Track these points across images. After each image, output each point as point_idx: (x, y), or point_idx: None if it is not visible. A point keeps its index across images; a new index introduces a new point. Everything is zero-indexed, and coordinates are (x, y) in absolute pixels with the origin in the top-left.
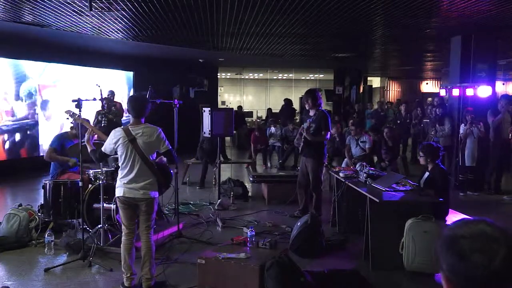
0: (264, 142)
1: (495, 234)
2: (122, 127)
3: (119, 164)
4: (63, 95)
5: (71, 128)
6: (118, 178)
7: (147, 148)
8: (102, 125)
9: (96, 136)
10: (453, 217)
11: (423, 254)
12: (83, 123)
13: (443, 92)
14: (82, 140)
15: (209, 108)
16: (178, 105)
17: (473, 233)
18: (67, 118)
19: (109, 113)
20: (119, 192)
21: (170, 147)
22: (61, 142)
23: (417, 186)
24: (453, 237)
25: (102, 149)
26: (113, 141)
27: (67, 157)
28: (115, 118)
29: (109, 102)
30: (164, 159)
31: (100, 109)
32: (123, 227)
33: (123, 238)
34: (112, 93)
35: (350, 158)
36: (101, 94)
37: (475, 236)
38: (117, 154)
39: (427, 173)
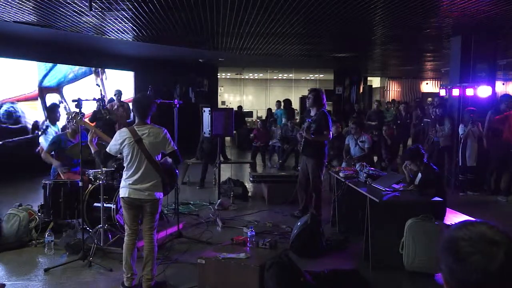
0: (265, 139)
1: (496, 237)
2: (127, 127)
3: (124, 165)
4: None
5: (67, 125)
6: (122, 179)
7: (153, 148)
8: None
9: (98, 137)
10: (453, 217)
11: (423, 254)
12: (86, 124)
13: (443, 92)
14: (84, 140)
15: (209, 108)
16: (178, 105)
17: (472, 235)
18: (69, 120)
19: (102, 111)
20: (123, 192)
21: (176, 148)
22: (59, 145)
23: (417, 185)
24: (453, 239)
25: (107, 149)
26: (118, 141)
27: (66, 157)
28: (109, 116)
29: (101, 102)
30: (169, 159)
31: (96, 109)
32: (126, 227)
33: (125, 238)
34: (119, 93)
35: (347, 156)
36: (101, 94)
37: (474, 239)
38: (121, 155)
39: (419, 175)
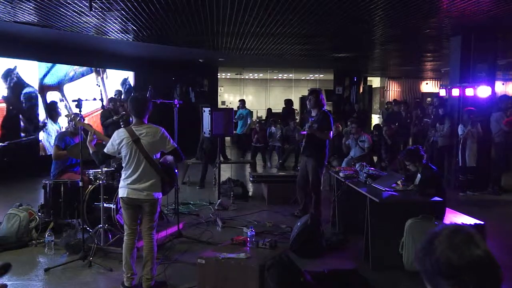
0: (264, 140)
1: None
2: (125, 127)
3: (123, 165)
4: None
5: (68, 125)
6: (121, 179)
7: (152, 148)
8: (121, 125)
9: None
10: (453, 217)
11: None
12: (84, 125)
13: (443, 92)
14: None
15: (209, 108)
16: (178, 105)
17: (443, 234)
18: (69, 122)
19: (119, 114)
20: (122, 192)
21: (176, 145)
22: (64, 139)
23: (416, 185)
24: (431, 239)
25: (105, 150)
26: (116, 142)
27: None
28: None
29: (115, 102)
30: (168, 158)
31: (111, 108)
32: (125, 227)
33: (125, 238)
34: (119, 93)
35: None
36: (101, 94)
37: (445, 235)
38: (120, 155)
39: (418, 175)
